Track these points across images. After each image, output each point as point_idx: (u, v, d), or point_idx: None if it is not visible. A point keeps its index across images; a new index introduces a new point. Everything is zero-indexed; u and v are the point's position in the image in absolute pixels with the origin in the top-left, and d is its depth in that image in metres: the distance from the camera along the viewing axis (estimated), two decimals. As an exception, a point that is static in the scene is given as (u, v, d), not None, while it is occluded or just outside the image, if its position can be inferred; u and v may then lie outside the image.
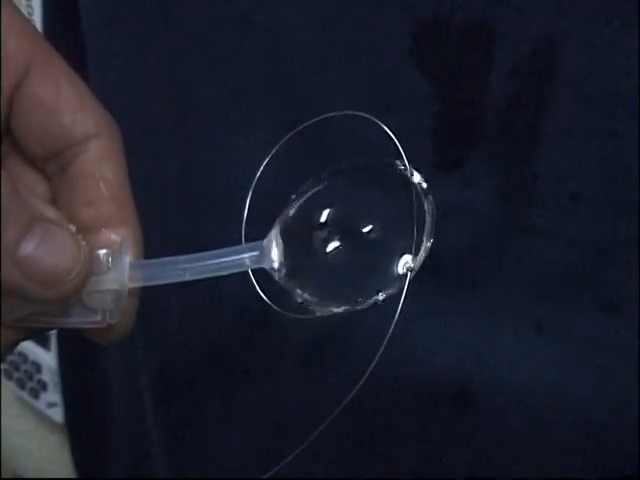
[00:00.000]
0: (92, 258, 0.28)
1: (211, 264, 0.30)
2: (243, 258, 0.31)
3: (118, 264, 0.29)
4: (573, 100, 0.35)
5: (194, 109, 0.43)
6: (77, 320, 0.29)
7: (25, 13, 0.60)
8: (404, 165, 0.30)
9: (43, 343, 0.70)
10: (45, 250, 0.27)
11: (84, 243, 0.28)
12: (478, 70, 0.36)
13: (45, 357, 0.71)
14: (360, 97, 0.38)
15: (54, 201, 0.31)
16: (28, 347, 0.71)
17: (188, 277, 0.30)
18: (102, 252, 0.29)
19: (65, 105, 0.29)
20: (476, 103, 0.37)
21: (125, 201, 0.30)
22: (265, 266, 0.31)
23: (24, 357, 0.72)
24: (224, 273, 0.30)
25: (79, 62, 0.48)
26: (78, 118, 0.29)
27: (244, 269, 0.31)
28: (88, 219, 0.30)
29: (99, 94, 0.46)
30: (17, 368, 0.73)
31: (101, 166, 0.30)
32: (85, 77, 0.47)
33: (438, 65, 0.37)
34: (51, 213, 0.28)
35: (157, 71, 0.44)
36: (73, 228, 0.28)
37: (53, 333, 0.69)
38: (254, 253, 0.31)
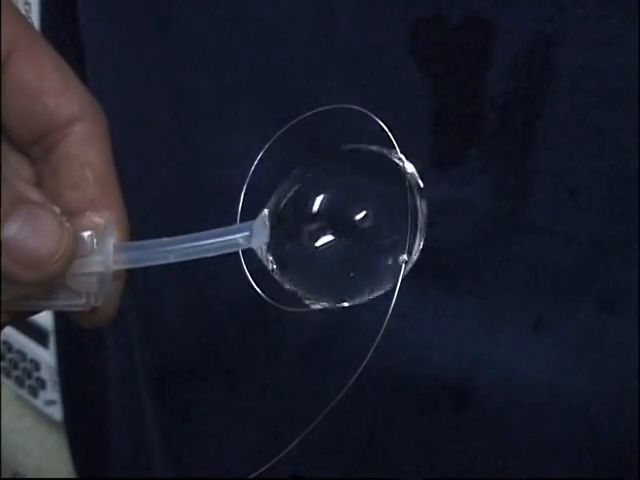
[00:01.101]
0: (76, 240, 0.28)
1: (196, 246, 0.30)
2: (233, 239, 0.30)
3: (102, 246, 0.29)
4: (571, 96, 0.35)
5: (192, 105, 0.43)
6: (61, 303, 0.29)
7: (22, 10, 0.60)
8: (398, 158, 0.30)
9: (41, 341, 0.70)
10: (29, 232, 0.27)
11: (68, 225, 0.28)
12: (476, 66, 0.36)
13: (44, 355, 0.71)
14: (358, 94, 0.38)
15: (39, 184, 0.31)
16: (27, 345, 0.72)
17: (172, 259, 0.30)
18: (86, 234, 0.29)
19: (49, 88, 0.29)
20: (474, 100, 0.36)
21: (110, 184, 0.30)
22: (254, 246, 0.31)
23: (23, 355, 0.72)
24: (210, 255, 0.30)
25: (77, 58, 0.48)
26: (62, 101, 0.29)
27: (232, 250, 0.31)
28: (73, 202, 0.30)
29: (97, 90, 0.46)
30: (16, 366, 0.73)
31: (86, 149, 0.30)
32: (83, 73, 0.47)
33: (436, 61, 0.36)
34: (35, 195, 0.28)
35: (155, 67, 0.44)
36: (57, 210, 0.28)
37: (51, 331, 0.69)
38: (245, 233, 0.30)
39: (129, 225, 0.31)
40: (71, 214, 0.29)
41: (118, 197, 0.31)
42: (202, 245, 0.30)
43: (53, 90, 0.29)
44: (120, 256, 0.30)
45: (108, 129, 0.31)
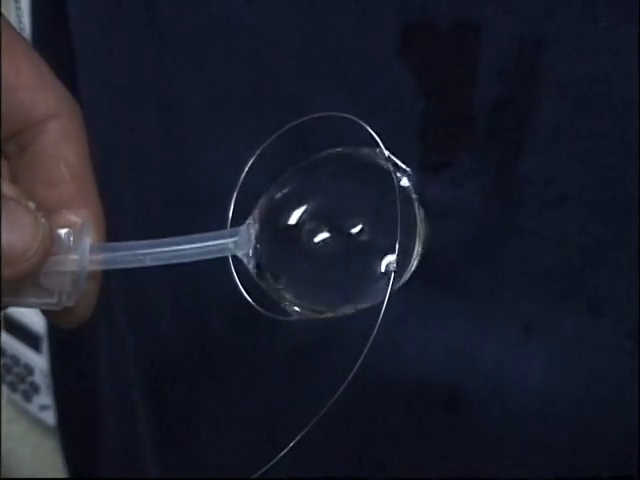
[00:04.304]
0: (52, 236, 0.28)
1: (174, 250, 0.30)
2: (214, 245, 0.30)
3: (79, 245, 0.29)
4: (560, 100, 0.35)
5: (182, 111, 0.43)
6: (32, 301, 0.28)
7: (14, 14, 0.60)
8: (395, 167, 0.30)
9: (34, 346, 0.70)
10: (2, 227, 0.26)
11: (44, 221, 0.27)
12: (465, 70, 0.36)
13: (37, 360, 0.71)
14: (347, 98, 0.38)
15: (14, 181, 0.30)
16: (20, 350, 0.71)
17: (149, 263, 0.29)
18: (63, 231, 0.28)
19: (25, 84, 0.29)
20: (463, 103, 0.36)
21: (86, 182, 0.30)
22: (237, 254, 0.30)
23: (16, 360, 0.72)
24: (188, 260, 0.30)
25: (68, 64, 0.48)
26: (38, 97, 0.29)
27: (213, 257, 0.30)
28: (48, 200, 0.29)
29: (87, 95, 0.46)
30: (9, 371, 0.73)
31: (61, 146, 0.29)
32: (74, 79, 0.47)
33: (425, 65, 0.36)
34: (10, 190, 0.28)
35: (145, 73, 0.44)
36: (32, 205, 0.28)
37: (44, 335, 0.69)
38: (227, 240, 0.30)
39: (105, 225, 0.30)
40: (47, 212, 0.29)
41: (95, 196, 0.30)
42: (181, 250, 0.29)
43: (29, 86, 0.29)
44: (96, 256, 0.29)
45: (84, 126, 0.30)
